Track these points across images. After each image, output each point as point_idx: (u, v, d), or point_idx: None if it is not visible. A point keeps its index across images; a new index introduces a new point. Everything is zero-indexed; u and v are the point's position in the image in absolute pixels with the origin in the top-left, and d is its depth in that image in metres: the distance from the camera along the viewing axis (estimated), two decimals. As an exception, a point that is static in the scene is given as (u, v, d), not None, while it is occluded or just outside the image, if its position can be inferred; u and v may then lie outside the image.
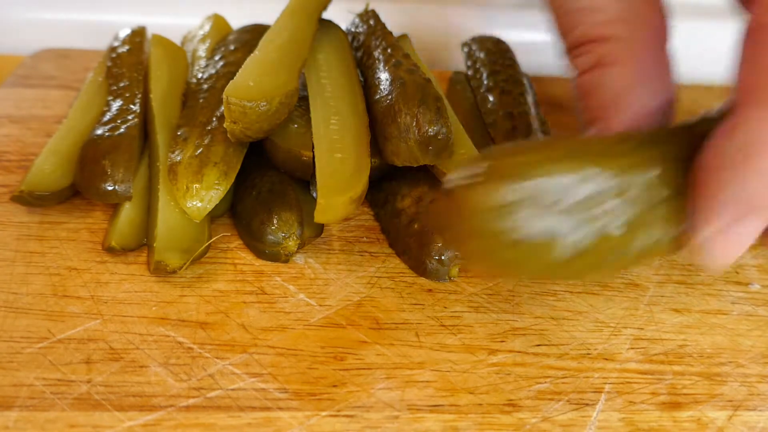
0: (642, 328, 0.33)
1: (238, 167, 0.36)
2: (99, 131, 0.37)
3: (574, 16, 0.29)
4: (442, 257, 0.34)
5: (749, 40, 0.23)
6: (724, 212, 0.24)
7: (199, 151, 0.35)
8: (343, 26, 0.45)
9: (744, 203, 0.23)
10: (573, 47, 0.30)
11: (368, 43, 0.41)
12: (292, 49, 0.38)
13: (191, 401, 0.27)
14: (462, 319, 0.32)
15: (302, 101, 0.37)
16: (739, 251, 0.25)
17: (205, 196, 0.34)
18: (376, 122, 0.36)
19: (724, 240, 0.25)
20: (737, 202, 0.24)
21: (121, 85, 0.41)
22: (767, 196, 0.23)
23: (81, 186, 0.36)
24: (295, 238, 0.34)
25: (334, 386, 0.28)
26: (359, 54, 0.42)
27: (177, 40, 0.47)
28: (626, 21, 0.28)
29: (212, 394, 0.28)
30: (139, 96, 0.40)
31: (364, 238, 0.37)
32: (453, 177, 0.25)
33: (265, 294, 0.33)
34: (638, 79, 0.28)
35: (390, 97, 0.35)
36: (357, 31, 0.44)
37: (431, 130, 0.34)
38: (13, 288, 0.32)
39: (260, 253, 0.35)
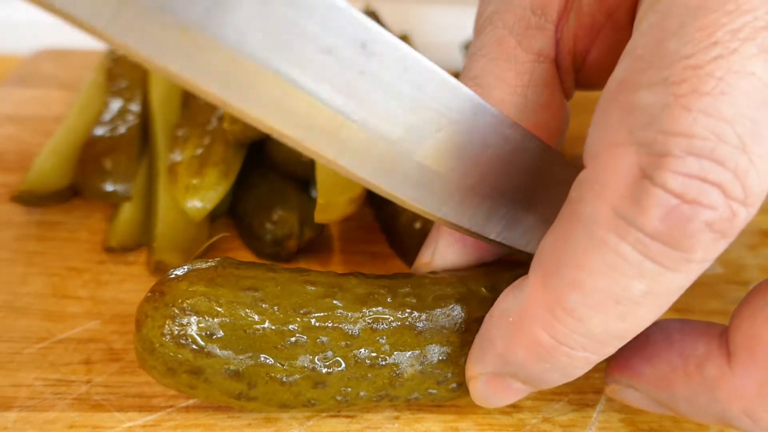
0: (642, 329, 0.33)
1: (238, 167, 0.36)
2: (99, 131, 0.37)
3: (462, 81, 0.27)
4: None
5: (562, 213, 0.21)
6: (484, 366, 0.24)
7: (199, 151, 0.35)
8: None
9: (505, 365, 0.23)
10: None
11: (368, 43, 0.41)
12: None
13: (191, 402, 0.27)
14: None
15: (302, 101, 0.37)
16: (503, 402, 0.25)
17: (205, 196, 0.34)
18: (376, 122, 0.35)
19: (485, 387, 0.24)
20: (497, 362, 0.23)
21: (121, 85, 0.41)
22: (527, 366, 0.22)
23: (81, 186, 0.36)
24: (295, 238, 0.34)
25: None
26: (359, 54, 0.42)
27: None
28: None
29: (212, 394, 0.27)
30: (139, 96, 0.40)
31: (364, 238, 0.37)
32: (179, 269, 0.24)
33: (265, 294, 0.33)
34: None
35: (390, 97, 0.35)
36: (357, 31, 0.44)
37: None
38: (13, 288, 0.32)
39: (260, 253, 0.35)
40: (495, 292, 0.25)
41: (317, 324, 0.23)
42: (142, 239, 0.35)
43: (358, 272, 0.26)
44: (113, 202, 0.36)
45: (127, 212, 0.35)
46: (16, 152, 0.41)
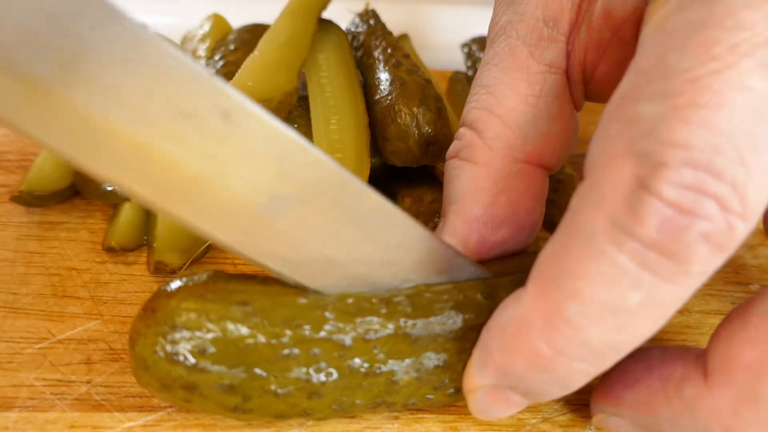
0: (642, 329, 0.33)
1: (238, 167, 0.36)
2: (99, 131, 0.37)
3: (474, 89, 0.28)
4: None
5: (561, 224, 0.21)
6: (483, 378, 0.24)
7: (199, 151, 0.35)
8: (343, 26, 0.45)
9: (504, 376, 0.23)
10: (460, 124, 0.28)
11: (368, 43, 0.41)
12: (291, 49, 0.38)
13: (191, 402, 0.27)
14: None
15: (302, 101, 0.37)
16: (501, 415, 0.25)
17: (205, 196, 0.34)
18: (376, 122, 0.36)
19: (484, 400, 0.24)
20: (497, 374, 0.23)
21: (121, 85, 0.41)
22: (527, 377, 0.22)
23: (81, 186, 0.36)
24: (295, 238, 0.34)
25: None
26: (359, 54, 0.42)
27: (177, 40, 0.47)
28: (505, 122, 0.26)
29: (212, 394, 0.27)
30: (139, 96, 0.40)
31: (364, 238, 0.37)
32: (172, 284, 0.24)
33: (265, 294, 0.33)
34: (480, 195, 0.27)
35: (390, 97, 0.35)
36: (357, 30, 0.44)
37: (431, 131, 0.34)
38: (13, 288, 0.32)
39: (260, 254, 0.35)
40: (492, 299, 0.25)
41: (309, 336, 0.23)
42: (142, 239, 0.35)
43: None
44: (113, 202, 0.36)
45: (127, 212, 0.35)
46: (16, 152, 0.41)
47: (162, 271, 0.32)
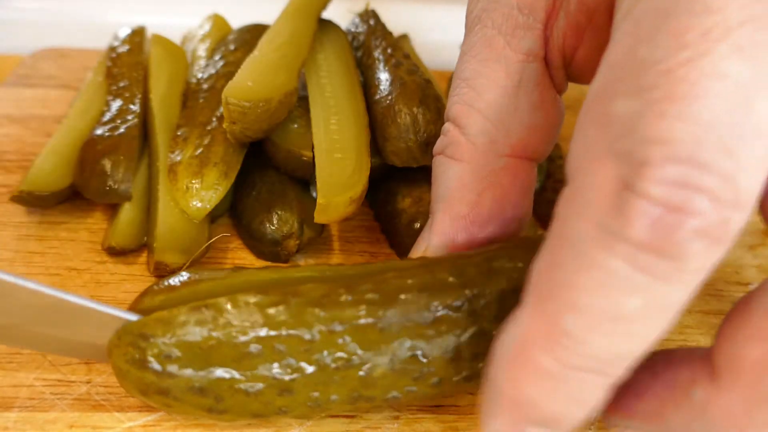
0: (642, 329, 0.33)
1: (238, 167, 0.36)
2: (99, 131, 0.37)
3: (455, 82, 0.27)
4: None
5: (549, 233, 0.21)
6: (496, 418, 0.22)
7: (199, 151, 0.35)
8: (343, 26, 0.45)
9: (518, 409, 0.21)
10: (444, 119, 0.28)
11: (368, 43, 0.41)
12: (291, 49, 0.38)
13: (191, 401, 0.27)
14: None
15: (302, 101, 0.37)
16: None
17: (205, 196, 0.34)
18: (376, 122, 0.36)
19: None
20: (510, 408, 0.21)
21: (121, 85, 0.41)
22: (541, 401, 0.20)
23: (81, 186, 0.36)
24: (295, 238, 0.34)
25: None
26: (359, 54, 0.42)
27: (177, 40, 0.47)
28: (487, 116, 0.26)
29: (212, 394, 0.27)
30: (139, 96, 0.40)
31: (364, 238, 0.37)
32: (146, 291, 0.25)
33: (265, 294, 0.33)
34: (465, 193, 0.27)
35: (390, 97, 0.35)
36: (357, 31, 0.44)
37: (431, 131, 0.34)
38: (12, 288, 0.32)
39: (260, 253, 0.35)
40: (463, 278, 0.24)
41: (271, 333, 0.23)
42: (142, 239, 0.35)
43: (324, 267, 0.26)
44: (113, 202, 0.36)
45: (127, 212, 0.35)
46: (16, 152, 0.41)
47: (162, 271, 0.32)
